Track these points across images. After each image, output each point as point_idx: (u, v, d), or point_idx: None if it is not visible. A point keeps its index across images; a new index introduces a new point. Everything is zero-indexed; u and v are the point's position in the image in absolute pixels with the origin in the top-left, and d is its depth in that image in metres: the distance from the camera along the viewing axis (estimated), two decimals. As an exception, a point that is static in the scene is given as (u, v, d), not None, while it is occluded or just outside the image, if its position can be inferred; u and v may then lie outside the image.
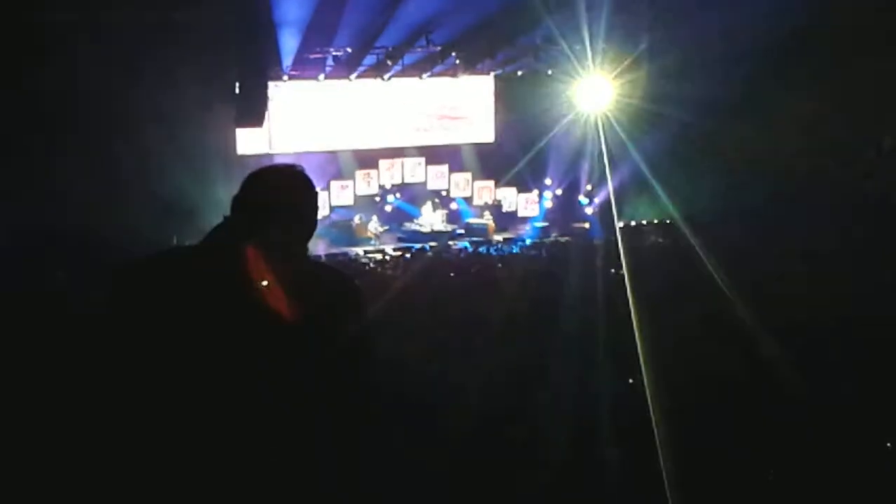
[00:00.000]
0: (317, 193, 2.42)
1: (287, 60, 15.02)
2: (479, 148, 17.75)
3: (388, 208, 17.27)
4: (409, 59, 15.69)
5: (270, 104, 14.99)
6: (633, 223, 17.56)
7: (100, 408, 1.95)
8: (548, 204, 17.91)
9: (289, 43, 14.49)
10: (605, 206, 17.55)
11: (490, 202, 17.84)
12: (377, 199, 17.20)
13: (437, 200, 17.39)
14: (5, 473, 2.33)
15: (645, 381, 5.52)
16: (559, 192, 17.81)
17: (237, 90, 14.17)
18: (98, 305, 2.11)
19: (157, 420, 1.95)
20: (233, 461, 1.98)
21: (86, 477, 1.92)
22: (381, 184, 17.24)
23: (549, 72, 16.71)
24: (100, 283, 2.20)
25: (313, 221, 2.37)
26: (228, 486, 1.95)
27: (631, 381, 5.58)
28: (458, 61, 16.11)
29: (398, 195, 17.43)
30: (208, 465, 1.97)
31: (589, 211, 17.59)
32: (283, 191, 2.32)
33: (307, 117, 16.15)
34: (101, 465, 1.91)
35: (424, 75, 16.58)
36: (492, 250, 15.16)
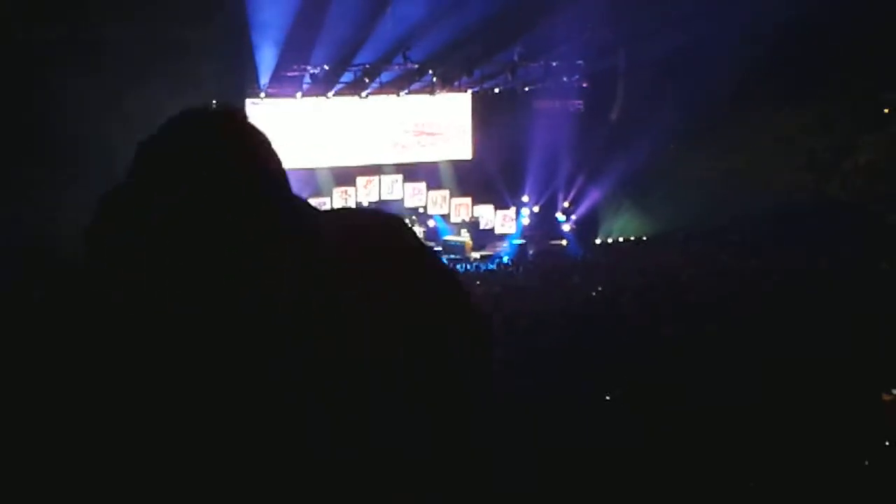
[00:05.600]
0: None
1: (264, 78, 15.00)
2: (457, 165, 17.75)
3: (365, 225, 17.20)
4: (386, 76, 15.71)
5: (247, 122, 14.90)
6: (609, 240, 17.63)
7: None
8: (525, 221, 17.91)
9: (266, 60, 14.47)
10: (583, 222, 17.63)
11: (467, 219, 17.82)
12: (354, 216, 17.11)
13: (414, 217, 17.35)
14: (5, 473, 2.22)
15: (623, 396, 5.50)
16: (536, 209, 17.83)
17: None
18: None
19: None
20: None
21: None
22: (359, 201, 17.17)
23: (527, 88, 16.78)
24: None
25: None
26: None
27: (608, 397, 5.57)
28: (435, 78, 16.16)
29: (376, 212, 17.37)
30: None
31: (566, 228, 17.62)
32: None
33: (284, 135, 16.04)
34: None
35: (402, 92, 16.60)
36: (469, 268, 15.13)
